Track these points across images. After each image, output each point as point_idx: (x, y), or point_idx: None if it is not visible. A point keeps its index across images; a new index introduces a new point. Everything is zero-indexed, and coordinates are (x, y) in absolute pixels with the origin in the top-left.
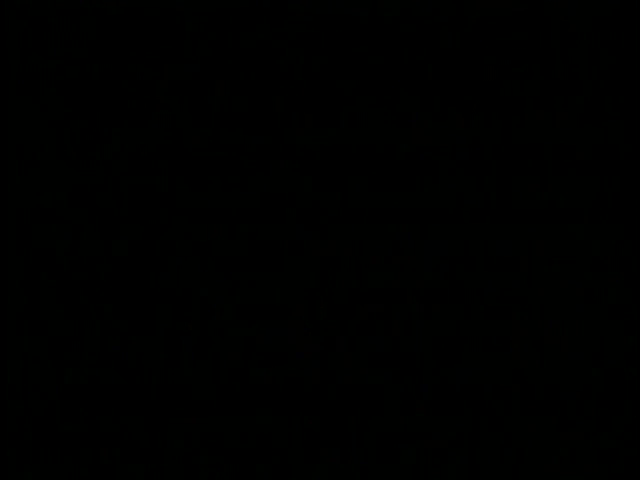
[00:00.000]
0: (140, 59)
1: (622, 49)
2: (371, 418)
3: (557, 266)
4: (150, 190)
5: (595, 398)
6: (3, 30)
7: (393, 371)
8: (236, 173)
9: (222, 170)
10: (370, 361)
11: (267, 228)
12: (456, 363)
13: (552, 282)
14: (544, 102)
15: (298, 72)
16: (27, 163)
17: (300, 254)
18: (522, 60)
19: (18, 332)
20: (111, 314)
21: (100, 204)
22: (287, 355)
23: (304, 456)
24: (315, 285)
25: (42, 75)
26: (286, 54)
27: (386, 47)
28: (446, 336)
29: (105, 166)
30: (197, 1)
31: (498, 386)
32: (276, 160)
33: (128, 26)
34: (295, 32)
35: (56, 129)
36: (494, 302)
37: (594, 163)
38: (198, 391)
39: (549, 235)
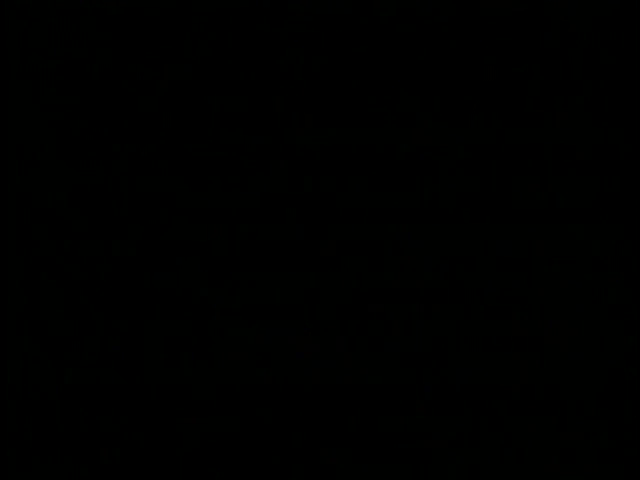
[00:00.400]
0: (140, 59)
1: (622, 49)
2: (371, 418)
3: (557, 266)
4: (150, 190)
5: (595, 398)
6: (3, 30)
7: (393, 371)
8: (236, 173)
9: (222, 170)
10: (370, 361)
11: (267, 228)
12: (456, 363)
13: (552, 282)
14: (544, 102)
15: (298, 72)
16: (27, 163)
17: (300, 254)
18: (522, 60)
19: (18, 332)
20: (111, 314)
21: (100, 204)
22: (287, 355)
23: (304, 457)
24: (315, 285)
25: (42, 75)
26: (286, 54)
27: (386, 47)
28: (446, 336)
29: (105, 166)
30: (197, 1)
31: (498, 386)
32: (276, 160)
33: (128, 26)
34: (295, 32)
35: (56, 129)
36: (494, 302)
37: (594, 163)
38: (198, 391)
39: (549, 235)
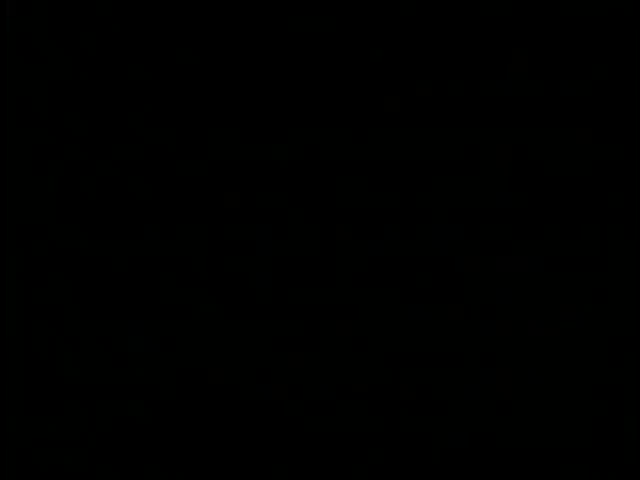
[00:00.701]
0: (140, 59)
1: (622, 49)
2: (370, 419)
3: (557, 266)
4: (149, 190)
5: (595, 398)
6: (3, 29)
7: (393, 371)
8: (236, 173)
9: (222, 170)
10: (369, 361)
11: (268, 228)
12: (456, 363)
13: (552, 282)
14: (544, 102)
15: (298, 72)
16: (27, 163)
17: (300, 254)
18: (522, 59)
19: (18, 332)
20: (110, 314)
21: (99, 204)
22: (286, 356)
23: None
24: (315, 285)
25: (42, 74)
26: (286, 54)
27: (386, 47)
28: (446, 336)
29: (104, 166)
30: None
31: (498, 386)
32: (275, 161)
33: (128, 25)
34: (295, 32)
35: (56, 129)
36: (494, 302)
37: (594, 163)
38: (197, 392)
39: (549, 235)
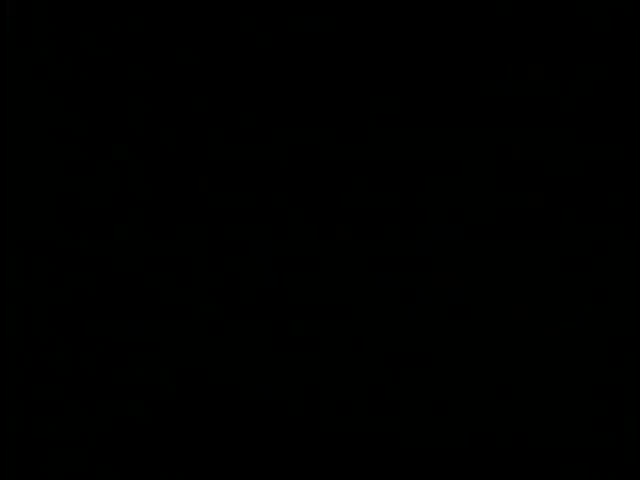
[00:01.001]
0: (140, 59)
1: (622, 49)
2: (370, 419)
3: (557, 266)
4: (149, 190)
5: (595, 398)
6: (3, 29)
7: (393, 371)
8: (235, 173)
9: (221, 170)
10: (369, 361)
11: (268, 228)
12: (455, 363)
13: (552, 282)
14: (544, 102)
15: (298, 72)
16: (27, 163)
17: (300, 254)
18: (522, 59)
19: (18, 332)
20: (110, 314)
21: (99, 204)
22: (286, 356)
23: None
24: (315, 285)
25: (41, 73)
26: (286, 54)
27: (385, 47)
28: (446, 336)
29: (104, 166)
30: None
31: (497, 386)
32: (275, 161)
33: (128, 25)
34: (295, 32)
35: (56, 129)
36: (494, 302)
37: (594, 163)
38: (197, 392)
39: (548, 235)
